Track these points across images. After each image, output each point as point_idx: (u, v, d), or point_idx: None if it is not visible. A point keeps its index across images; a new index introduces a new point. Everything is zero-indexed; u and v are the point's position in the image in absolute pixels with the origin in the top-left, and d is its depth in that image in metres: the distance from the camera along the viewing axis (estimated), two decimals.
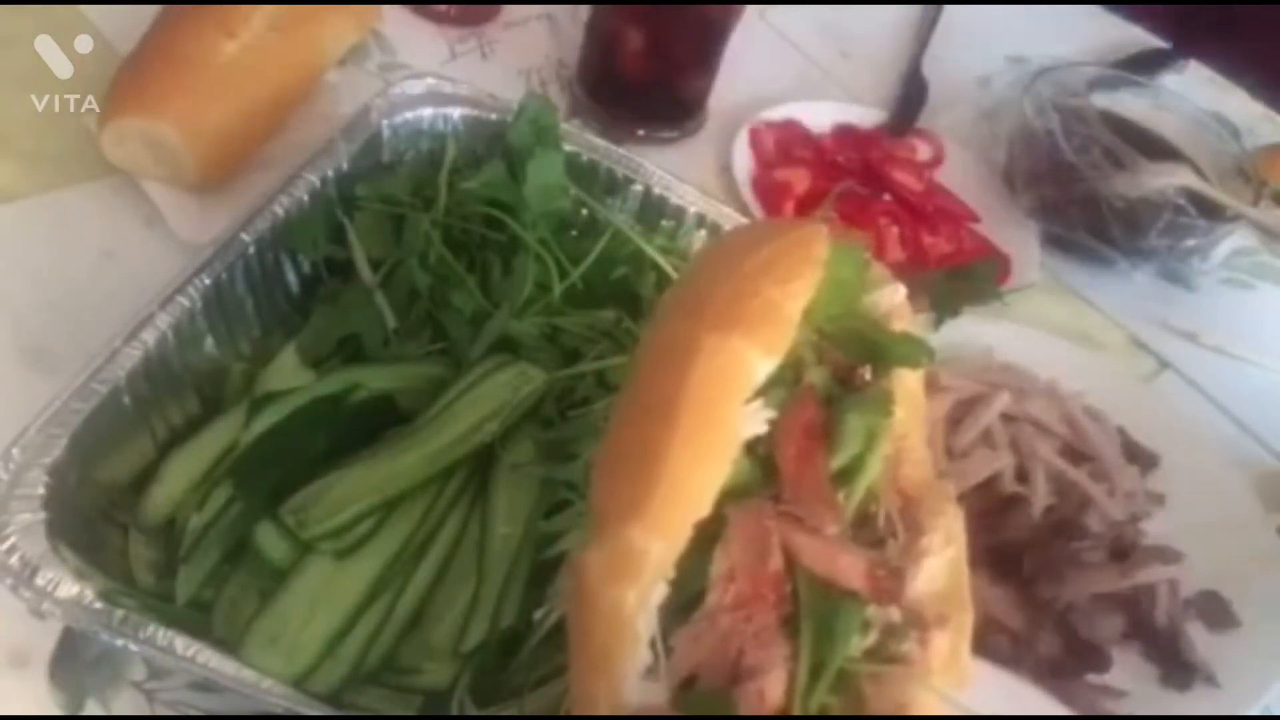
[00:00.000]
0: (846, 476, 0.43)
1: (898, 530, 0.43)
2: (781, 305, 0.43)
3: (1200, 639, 0.70)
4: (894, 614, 0.41)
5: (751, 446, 0.42)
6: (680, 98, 0.95)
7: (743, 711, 0.39)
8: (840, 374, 0.47)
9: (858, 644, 0.40)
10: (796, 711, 0.39)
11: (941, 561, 0.43)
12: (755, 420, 0.42)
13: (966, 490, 0.71)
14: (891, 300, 0.49)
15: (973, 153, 1.04)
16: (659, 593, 0.39)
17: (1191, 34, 1.24)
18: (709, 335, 0.42)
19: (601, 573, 0.39)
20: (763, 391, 0.42)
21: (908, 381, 0.47)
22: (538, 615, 0.54)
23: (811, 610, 0.40)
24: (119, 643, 0.49)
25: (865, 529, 0.44)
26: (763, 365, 0.42)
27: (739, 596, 0.40)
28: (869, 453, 0.44)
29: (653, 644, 0.39)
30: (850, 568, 0.41)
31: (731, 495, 0.41)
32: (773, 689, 0.39)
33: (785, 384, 0.44)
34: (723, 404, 0.41)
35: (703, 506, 0.40)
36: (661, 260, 0.69)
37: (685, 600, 0.40)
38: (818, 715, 0.39)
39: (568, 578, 0.41)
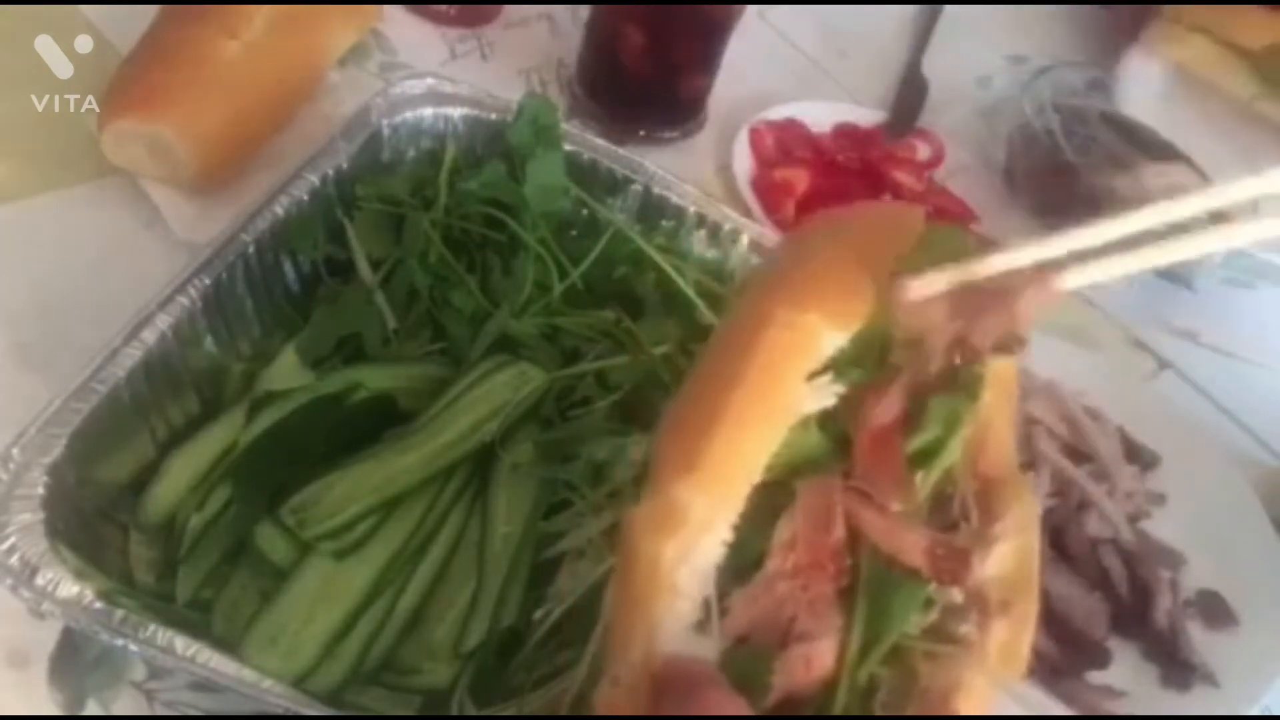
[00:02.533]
0: (925, 458, 0.43)
1: (971, 514, 0.43)
2: (860, 282, 0.43)
3: (1200, 639, 0.70)
4: (956, 595, 0.41)
5: (825, 420, 0.42)
6: (680, 98, 0.95)
7: (787, 675, 0.39)
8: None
9: (917, 621, 0.41)
10: (844, 680, 0.39)
11: (1011, 549, 0.42)
12: (822, 394, 0.42)
13: None
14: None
15: (973, 153, 1.04)
16: (713, 552, 0.40)
17: None
18: (781, 308, 0.42)
19: (644, 525, 0.40)
20: (834, 366, 0.42)
21: (999, 367, 0.46)
22: (538, 615, 0.54)
23: (870, 584, 0.41)
24: (119, 643, 0.49)
25: (940, 511, 0.44)
26: (832, 339, 0.42)
27: (798, 565, 0.41)
28: (949, 436, 0.43)
29: (707, 603, 0.40)
30: (913, 546, 0.41)
31: (802, 468, 0.42)
32: (821, 656, 0.40)
33: (866, 364, 0.43)
34: (785, 374, 0.41)
35: (754, 471, 0.40)
36: (661, 260, 0.69)
37: (745, 564, 0.41)
38: (865, 686, 0.40)
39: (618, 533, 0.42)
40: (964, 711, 0.40)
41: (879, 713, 0.40)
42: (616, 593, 0.41)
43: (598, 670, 0.42)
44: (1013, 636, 0.41)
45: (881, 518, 0.41)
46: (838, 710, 0.40)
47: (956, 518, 0.43)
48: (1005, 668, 0.41)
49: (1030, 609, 0.42)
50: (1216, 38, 0.98)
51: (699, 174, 0.90)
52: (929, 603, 0.41)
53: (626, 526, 0.41)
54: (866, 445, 0.42)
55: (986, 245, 0.48)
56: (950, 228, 0.47)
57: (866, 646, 0.40)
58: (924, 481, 0.43)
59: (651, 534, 0.40)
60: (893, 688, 0.40)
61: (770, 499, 0.41)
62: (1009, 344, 0.44)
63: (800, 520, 0.41)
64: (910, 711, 0.40)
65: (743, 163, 0.93)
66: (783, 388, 0.41)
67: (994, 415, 0.45)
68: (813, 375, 0.42)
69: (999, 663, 0.41)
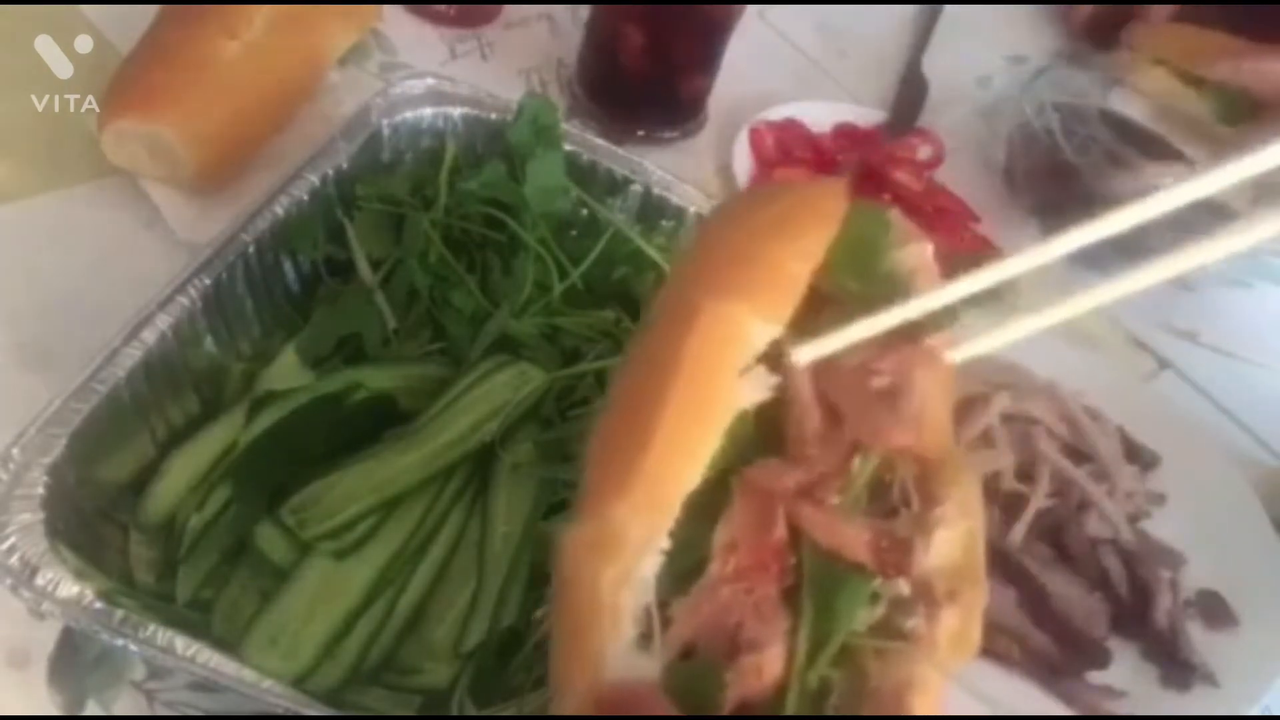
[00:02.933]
0: (860, 445, 0.41)
1: (912, 499, 0.41)
2: (786, 267, 0.41)
3: (1200, 639, 0.70)
4: (903, 588, 0.40)
5: (760, 413, 0.41)
6: (680, 98, 0.95)
7: (740, 686, 0.38)
8: None
9: (864, 618, 0.39)
10: (793, 686, 0.38)
11: (955, 534, 0.41)
12: (756, 388, 0.40)
13: None
14: (918, 258, 0.46)
15: (972, 152, 1.04)
16: (650, 565, 0.38)
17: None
18: (706, 301, 0.40)
19: (581, 551, 0.38)
20: (766, 357, 0.41)
21: (931, 344, 0.44)
22: (538, 615, 0.54)
23: (814, 582, 0.39)
24: (119, 643, 0.49)
25: (879, 499, 0.42)
26: (763, 331, 0.40)
27: (740, 567, 0.39)
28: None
29: (648, 614, 0.38)
30: (855, 539, 0.40)
31: (736, 463, 0.40)
32: (771, 664, 0.38)
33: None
34: (717, 373, 0.40)
35: (690, 480, 0.39)
36: (661, 260, 0.69)
37: (686, 569, 0.39)
38: (815, 690, 0.38)
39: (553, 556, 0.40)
40: (918, 708, 0.38)
41: (831, 716, 0.39)
42: (556, 621, 0.40)
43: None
44: (962, 625, 0.40)
45: (820, 512, 0.40)
46: (789, 715, 0.38)
47: (896, 504, 0.41)
48: (956, 658, 0.40)
49: (978, 595, 0.40)
50: (1175, 69, 0.99)
51: (699, 174, 0.90)
52: (875, 597, 0.40)
53: (562, 552, 0.39)
54: (799, 435, 0.41)
55: (904, 224, 0.47)
56: (872, 206, 0.45)
57: (815, 648, 0.38)
58: (861, 468, 0.41)
59: (589, 561, 0.38)
60: (844, 689, 0.39)
61: (707, 498, 0.39)
62: (937, 319, 0.43)
63: (739, 519, 0.39)
64: (864, 713, 0.39)
65: (743, 163, 0.93)
66: (715, 387, 0.40)
67: (928, 394, 0.43)
68: (745, 369, 0.40)
69: (950, 653, 0.39)
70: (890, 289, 0.44)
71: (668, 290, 0.45)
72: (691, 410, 0.39)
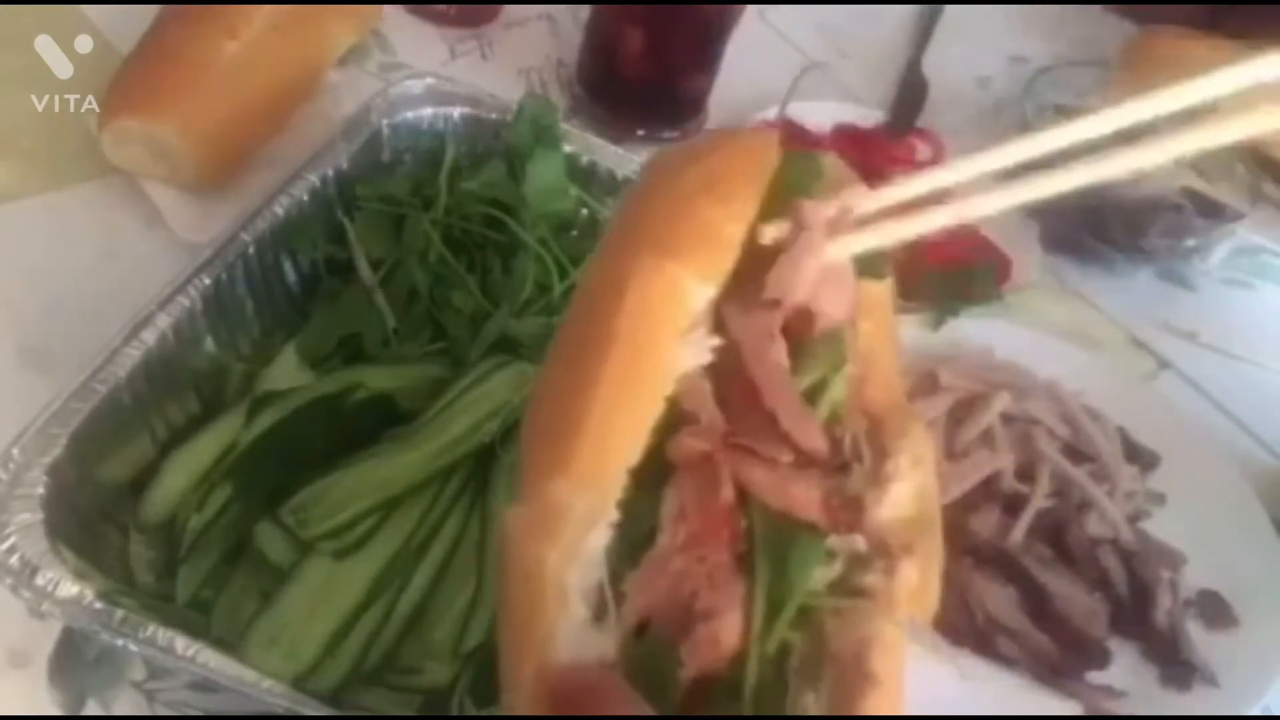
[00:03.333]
0: (808, 399, 0.40)
1: (863, 454, 0.40)
2: (720, 225, 0.40)
3: (1200, 639, 0.70)
4: (859, 544, 0.39)
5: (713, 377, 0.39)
6: (680, 98, 0.95)
7: (697, 657, 0.36)
8: None
9: (820, 577, 0.38)
10: (752, 652, 0.37)
11: (908, 487, 0.40)
12: (697, 350, 0.39)
13: (966, 489, 0.71)
14: (861, 210, 0.43)
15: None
16: (599, 539, 0.37)
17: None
18: (640, 263, 0.39)
19: (523, 532, 0.37)
20: (706, 319, 0.39)
21: (872, 295, 0.43)
22: None
23: (767, 544, 0.38)
24: (119, 643, 0.49)
25: (829, 454, 0.40)
26: (700, 291, 0.39)
27: (691, 536, 0.38)
28: (832, 373, 0.41)
29: (600, 590, 0.37)
30: (805, 497, 0.38)
31: (678, 428, 0.39)
32: (728, 632, 0.37)
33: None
34: (654, 337, 0.38)
35: (633, 450, 0.37)
36: None
37: (637, 541, 0.38)
38: (775, 655, 0.37)
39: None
40: (880, 665, 0.37)
41: (792, 680, 0.37)
42: (500, 606, 0.38)
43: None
44: (921, 577, 0.39)
45: (768, 472, 0.38)
46: (750, 683, 0.37)
47: (848, 459, 0.40)
48: (916, 611, 0.39)
49: (935, 546, 0.39)
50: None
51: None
52: (830, 555, 0.38)
53: (503, 534, 0.37)
54: (743, 395, 0.39)
55: (840, 169, 0.45)
56: (806, 154, 0.44)
57: (772, 612, 0.37)
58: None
59: (531, 541, 0.36)
60: (803, 652, 0.37)
61: (653, 466, 0.38)
62: (875, 267, 0.41)
63: (686, 486, 0.38)
64: (825, 674, 0.37)
65: None
66: (652, 352, 0.38)
67: (875, 346, 0.42)
68: (684, 331, 0.38)
69: (910, 607, 0.38)
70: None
71: (600, 254, 0.43)
72: (630, 377, 0.38)
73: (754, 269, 0.41)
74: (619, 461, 0.37)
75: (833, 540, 0.38)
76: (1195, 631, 0.71)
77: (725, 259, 0.40)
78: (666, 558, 0.37)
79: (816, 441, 0.39)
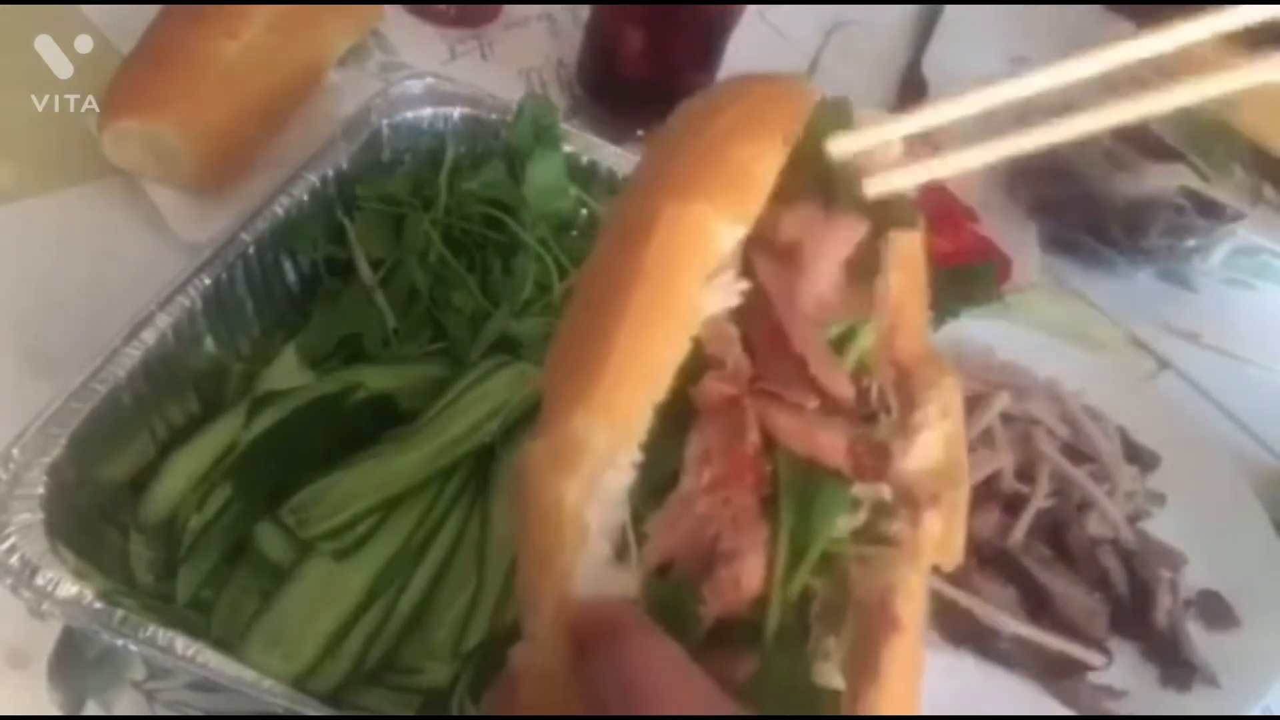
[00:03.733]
0: (836, 348, 0.40)
1: (891, 404, 0.40)
2: (750, 166, 0.39)
3: (1200, 639, 0.70)
4: (884, 492, 0.38)
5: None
6: (680, 98, 0.94)
7: (718, 598, 0.36)
8: None
9: (845, 524, 0.38)
10: (774, 596, 0.37)
11: (936, 436, 0.39)
12: (724, 294, 0.38)
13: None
14: (886, 157, 0.44)
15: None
16: (623, 477, 0.36)
17: None
18: (668, 203, 0.38)
19: (542, 465, 0.36)
20: (734, 261, 0.38)
21: (903, 245, 0.42)
22: None
23: (791, 490, 0.38)
24: (119, 643, 0.49)
25: (857, 403, 0.40)
26: (729, 233, 0.38)
27: (715, 478, 0.37)
28: (860, 322, 0.41)
29: (623, 530, 0.36)
30: (830, 444, 0.38)
31: (703, 372, 0.38)
32: (750, 575, 0.37)
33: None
34: (681, 277, 0.37)
35: (657, 389, 0.36)
36: None
37: (660, 483, 0.37)
38: (797, 599, 0.37)
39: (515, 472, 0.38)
40: (903, 611, 0.36)
41: (814, 625, 0.38)
42: (520, 542, 0.37)
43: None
44: (946, 528, 0.38)
45: (794, 418, 0.38)
46: (771, 627, 0.37)
47: (875, 409, 0.40)
48: (941, 560, 0.38)
49: (961, 497, 0.39)
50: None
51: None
52: (855, 503, 0.38)
53: (523, 468, 0.37)
54: (769, 341, 0.39)
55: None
56: (838, 100, 0.43)
57: (795, 557, 0.37)
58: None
59: (550, 474, 0.36)
60: (826, 597, 0.37)
61: (678, 410, 0.37)
62: (904, 217, 0.41)
63: (711, 430, 0.38)
64: (848, 620, 0.37)
65: None
66: (679, 292, 0.37)
67: (905, 298, 0.41)
68: (712, 273, 0.38)
69: (934, 557, 0.38)
70: (856, 186, 0.42)
71: (626, 195, 0.43)
72: (654, 317, 0.37)
73: (783, 212, 0.40)
74: (641, 399, 0.36)
75: (858, 489, 0.38)
76: (1195, 631, 0.71)
77: (755, 200, 0.39)
78: (690, 500, 0.37)
79: (843, 388, 0.39)
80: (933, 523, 0.38)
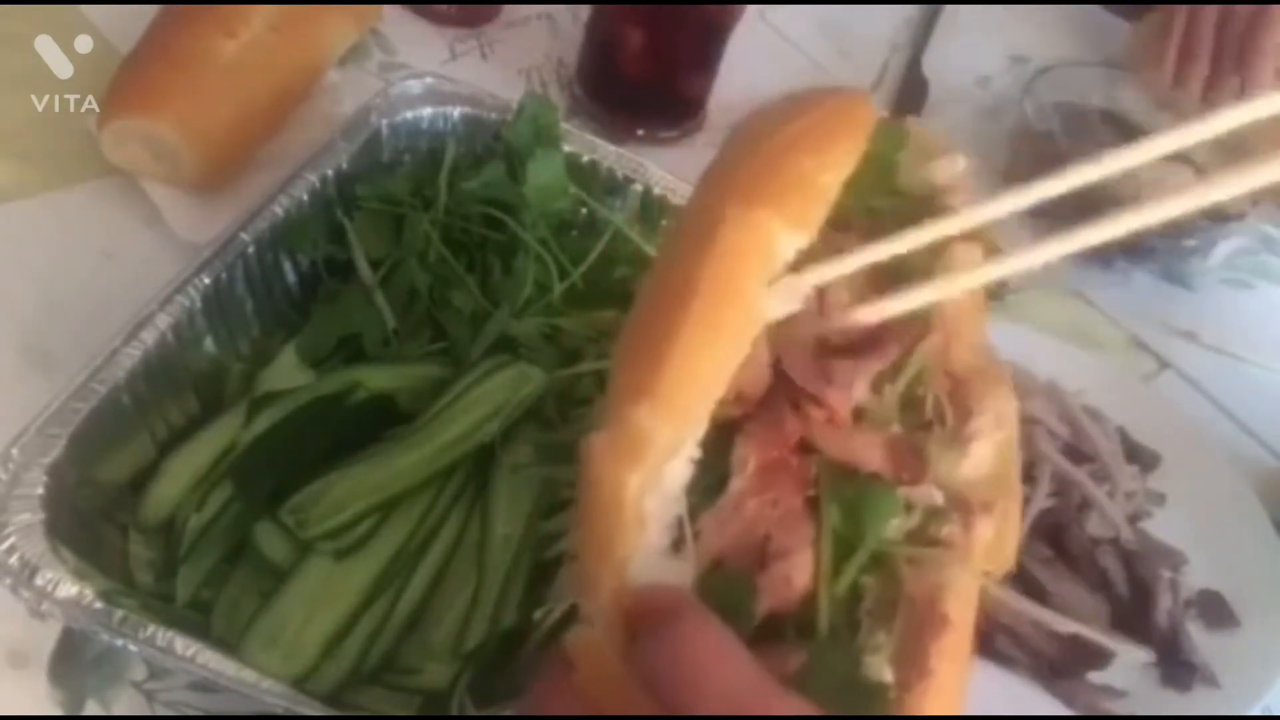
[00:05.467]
0: (892, 369, 0.42)
1: (946, 414, 0.41)
2: (815, 176, 0.40)
3: (1201, 639, 0.70)
4: (936, 497, 0.40)
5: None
6: (680, 98, 0.95)
7: (770, 595, 0.38)
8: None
9: (898, 526, 0.39)
10: (823, 593, 0.38)
11: (989, 446, 0.41)
12: (788, 299, 0.39)
13: None
14: (950, 172, 0.45)
15: (973, 153, 1.03)
16: (681, 473, 0.37)
17: None
18: (732, 209, 0.39)
19: (605, 455, 0.37)
20: (796, 267, 0.39)
21: (960, 257, 0.43)
22: (538, 615, 0.54)
23: (834, 494, 0.39)
24: (119, 643, 0.49)
25: (912, 412, 0.42)
26: (791, 240, 0.39)
27: (762, 481, 0.39)
28: (915, 342, 0.42)
29: (680, 523, 0.37)
30: (867, 448, 0.39)
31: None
32: (799, 572, 0.38)
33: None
34: (742, 281, 0.38)
35: (717, 387, 0.38)
36: None
37: (713, 482, 0.39)
38: (847, 597, 0.38)
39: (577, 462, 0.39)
40: (953, 609, 0.38)
41: (865, 621, 0.38)
42: (581, 529, 0.38)
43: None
44: (997, 534, 0.40)
45: (831, 427, 0.39)
46: (823, 623, 0.38)
47: (930, 419, 0.41)
48: (992, 565, 0.40)
49: (1013, 505, 0.40)
50: None
51: (699, 174, 0.90)
52: (909, 506, 0.39)
53: (586, 457, 0.38)
54: (796, 356, 0.40)
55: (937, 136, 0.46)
56: (893, 122, 0.45)
57: (844, 555, 0.38)
58: (895, 383, 0.41)
59: (613, 464, 0.37)
60: (877, 595, 0.39)
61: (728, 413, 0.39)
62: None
63: (757, 433, 0.39)
64: (899, 617, 0.38)
65: None
66: (741, 297, 0.38)
67: (961, 310, 0.43)
68: (773, 279, 0.39)
69: (985, 561, 0.39)
70: (917, 206, 0.43)
71: (694, 199, 0.44)
72: (716, 318, 0.38)
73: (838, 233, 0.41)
74: (703, 395, 0.37)
75: (911, 492, 0.39)
76: (1196, 631, 0.71)
77: (818, 209, 0.40)
78: (740, 500, 0.38)
79: (838, 401, 0.40)
80: (985, 528, 0.39)
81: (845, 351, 0.42)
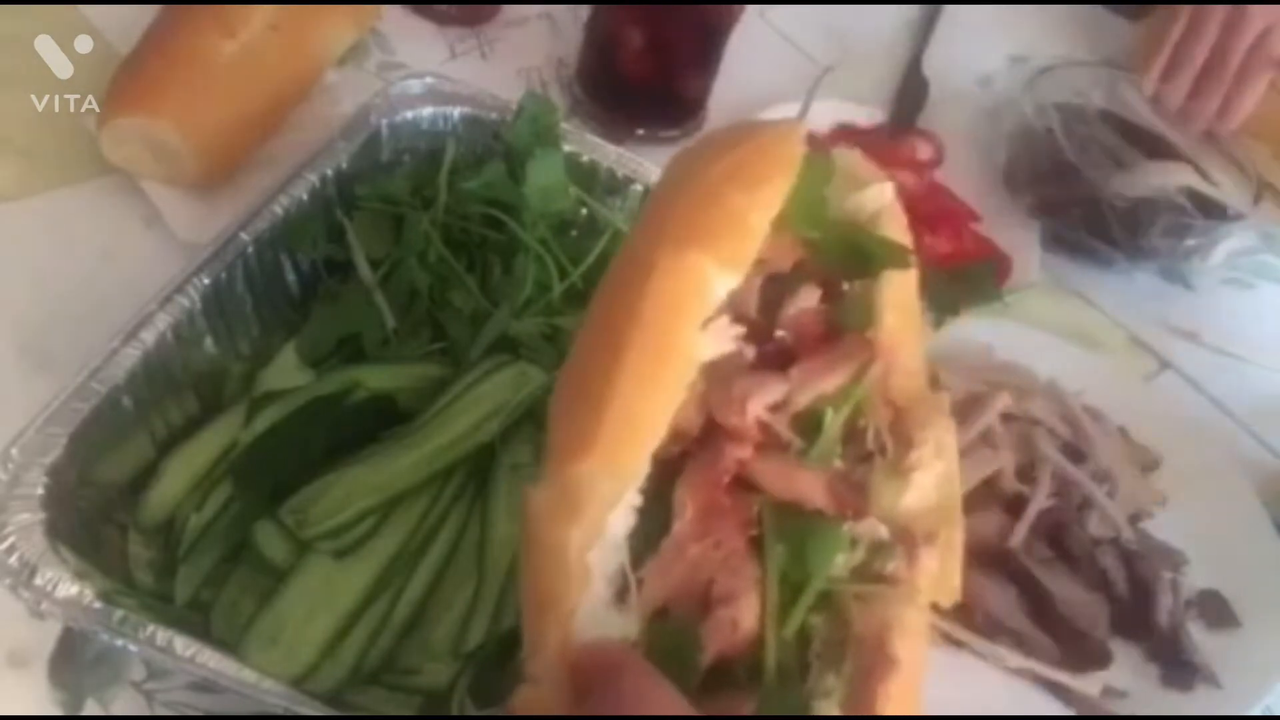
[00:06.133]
0: (835, 396, 0.41)
1: (886, 445, 0.41)
2: (746, 215, 0.40)
3: (1201, 639, 0.70)
4: (880, 531, 0.40)
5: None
6: (680, 97, 0.95)
7: (715, 640, 0.37)
8: (829, 286, 0.44)
9: (842, 563, 0.39)
10: (769, 635, 0.38)
11: (931, 476, 0.41)
12: (719, 340, 0.40)
13: (967, 490, 0.71)
14: (879, 200, 0.45)
15: (973, 152, 1.04)
16: (623, 522, 0.38)
17: None
18: (664, 251, 0.39)
19: (546, 511, 0.38)
20: (726, 308, 0.40)
21: (898, 287, 0.44)
22: None
23: (779, 533, 0.39)
24: (118, 643, 0.49)
25: (853, 445, 0.42)
26: (723, 281, 0.39)
27: (705, 524, 0.38)
28: (854, 383, 0.42)
29: (623, 574, 0.38)
30: (810, 485, 0.39)
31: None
32: (745, 615, 0.38)
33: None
34: (677, 325, 0.39)
35: (656, 435, 0.38)
36: None
37: (655, 528, 0.39)
38: (795, 638, 0.38)
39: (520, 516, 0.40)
40: (901, 649, 0.38)
41: (814, 663, 0.39)
42: (525, 585, 0.39)
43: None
44: (942, 565, 0.40)
45: (771, 463, 0.39)
46: (769, 666, 0.38)
47: (871, 450, 0.41)
48: (938, 597, 0.40)
49: (956, 535, 0.40)
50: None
51: None
52: (852, 543, 0.39)
53: (526, 515, 0.38)
54: (719, 390, 0.40)
55: (866, 165, 0.46)
56: (820, 155, 0.45)
57: (792, 595, 0.38)
58: (833, 419, 0.41)
59: (554, 521, 0.37)
60: (825, 635, 0.39)
61: (671, 457, 0.39)
62: (898, 258, 0.42)
63: (696, 477, 0.39)
64: (847, 659, 0.38)
65: None
66: (676, 339, 0.39)
67: (899, 338, 0.43)
68: (707, 320, 0.39)
69: (931, 594, 0.39)
70: (849, 233, 0.43)
71: (627, 242, 0.44)
72: (652, 364, 0.38)
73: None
74: (642, 445, 0.38)
75: (855, 527, 0.39)
76: (1196, 632, 0.71)
77: (749, 248, 0.40)
78: (682, 545, 0.38)
79: (738, 421, 0.40)
80: (929, 560, 0.39)
81: (777, 364, 0.42)
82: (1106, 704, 0.67)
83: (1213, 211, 0.94)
